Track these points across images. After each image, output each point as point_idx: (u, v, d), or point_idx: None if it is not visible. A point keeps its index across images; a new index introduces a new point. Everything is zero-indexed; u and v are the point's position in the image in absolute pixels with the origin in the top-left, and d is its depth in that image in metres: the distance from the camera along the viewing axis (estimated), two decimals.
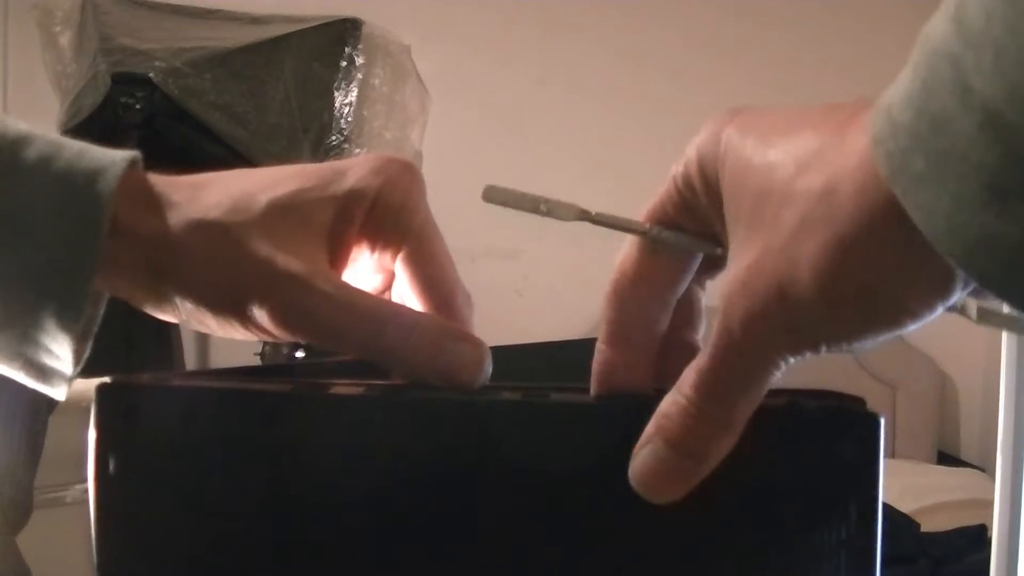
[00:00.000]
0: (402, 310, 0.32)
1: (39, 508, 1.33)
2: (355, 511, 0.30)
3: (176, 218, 0.31)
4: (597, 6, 2.69)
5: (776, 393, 0.26)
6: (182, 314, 0.32)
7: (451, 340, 0.31)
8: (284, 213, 0.32)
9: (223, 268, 0.31)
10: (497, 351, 0.31)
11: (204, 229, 0.31)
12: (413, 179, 0.34)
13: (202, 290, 0.31)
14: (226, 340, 0.33)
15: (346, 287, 0.32)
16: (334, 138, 2.49)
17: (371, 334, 0.31)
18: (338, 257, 0.33)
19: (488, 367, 0.31)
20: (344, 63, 2.51)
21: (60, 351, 0.31)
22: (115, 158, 0.31)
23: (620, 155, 2.62)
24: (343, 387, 0.31)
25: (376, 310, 0.31)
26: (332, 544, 0.30)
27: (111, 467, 0.31)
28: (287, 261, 0.31)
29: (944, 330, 2.70)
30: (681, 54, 2.66)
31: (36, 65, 2.39)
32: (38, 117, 2.35)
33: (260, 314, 0.30)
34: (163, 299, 0.32)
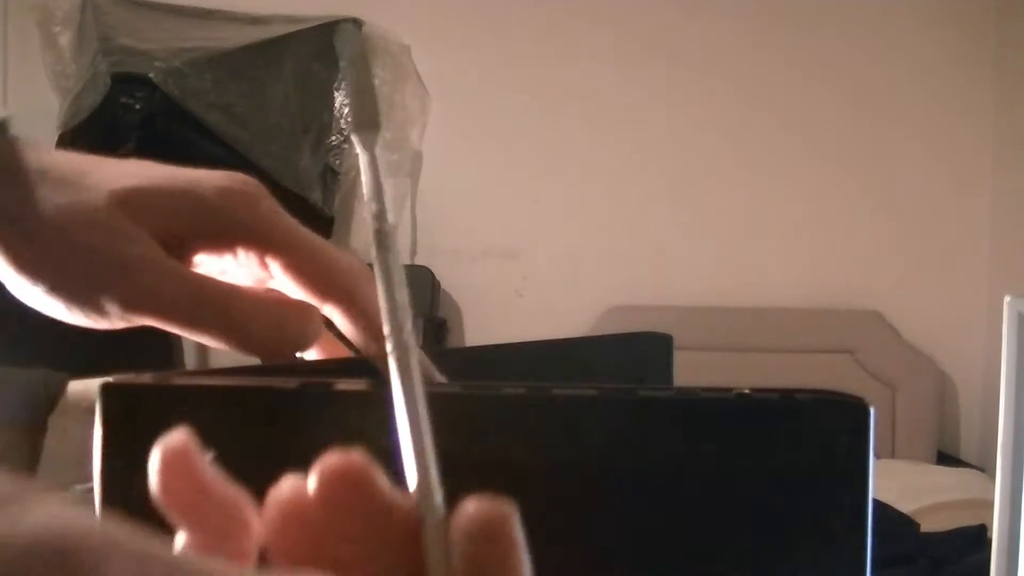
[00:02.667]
0: (244, 288, 0.33)
1: None
2: None
3: (35, 199, 0.32)
4: (597, 7, 2.69)
5: (772, 391, 0.27)
6: (32, 297, 0.32)
7: (292, 309, 0.32)
8: (124, 203, 0.32)
9: (78, 256, 0.31)
10: (497, 350, 0.31)
11: (62, 211, 0.31)
12: (257, 192, 0.34)
13: (56, 277, 0.31)
14: None
15: (191, 271, 0.33)
16: (334, 138, 2.49)
17: (220, 312, 0.32)
18: (174, 255, 0.33)
19: (318, 328, 0.33)
20: (344, 63, 2.51)
21: None
22: None
23: (618, 155, 2.62)
24: (347, 384, 0.31)
25: (222, 289, 0.32)
26: None
27: (117, 466, 0.31)
28: (137, 248, 0.31)
29: (944, 330, 2.69)
30: (678, 56, 2.66)
31: (36, 65, 2.38)
32: (38, 117, 2.35)
33: (110, 301, 0.31)
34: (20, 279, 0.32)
